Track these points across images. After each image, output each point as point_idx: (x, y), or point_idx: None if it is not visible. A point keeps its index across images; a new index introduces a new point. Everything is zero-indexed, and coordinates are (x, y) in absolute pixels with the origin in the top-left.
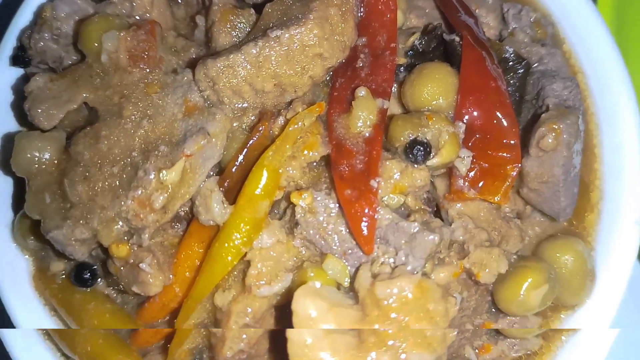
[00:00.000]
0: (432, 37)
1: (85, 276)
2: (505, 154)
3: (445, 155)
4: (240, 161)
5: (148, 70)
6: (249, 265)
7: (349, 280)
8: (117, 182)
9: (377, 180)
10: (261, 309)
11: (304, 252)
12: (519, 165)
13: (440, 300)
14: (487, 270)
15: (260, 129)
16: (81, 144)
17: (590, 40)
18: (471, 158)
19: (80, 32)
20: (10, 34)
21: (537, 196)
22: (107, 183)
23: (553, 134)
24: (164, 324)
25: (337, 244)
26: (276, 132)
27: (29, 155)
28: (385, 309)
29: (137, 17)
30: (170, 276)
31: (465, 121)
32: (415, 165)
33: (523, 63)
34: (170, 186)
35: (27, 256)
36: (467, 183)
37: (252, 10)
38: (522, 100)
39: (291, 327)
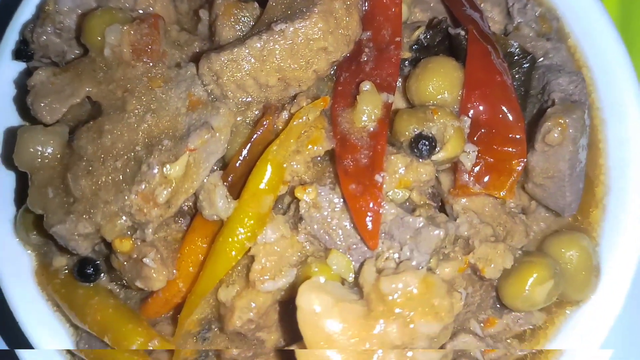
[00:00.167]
0: (437, 31)
1: (88, 271)
2: (510, 149)
3: (451, 149)
4: (244, 156)
5: (151, 64)
6: (253, 260)
7: (354, 276)
8: (121, 176)
9: (381, 174)
10: (265, 304)
11: (308, 247)
12: (525, 160)
13: (445, 296)
14: (492, 265)
15: (265, 123)
16: (84, 139)
17: (596, 35)
18: (476, 153)
19: (83, 25)
20: (12, 28)
21: (542, 191)
22: (110, 177)
23: (559, 129)
24: (167, 319)
25: (342, 239)
26: (280, 127)
27: (31, 150)
28: (390, 304)
29: (140, 11)
30: (174, 271)
31: (470, 115)
32: (420, 160)
33: (528, 57)
34: (174, 181)
35: (29, 251)
36: (472, 178)
37: (256, 4)
38: (527, 94)
39: (295, 322)
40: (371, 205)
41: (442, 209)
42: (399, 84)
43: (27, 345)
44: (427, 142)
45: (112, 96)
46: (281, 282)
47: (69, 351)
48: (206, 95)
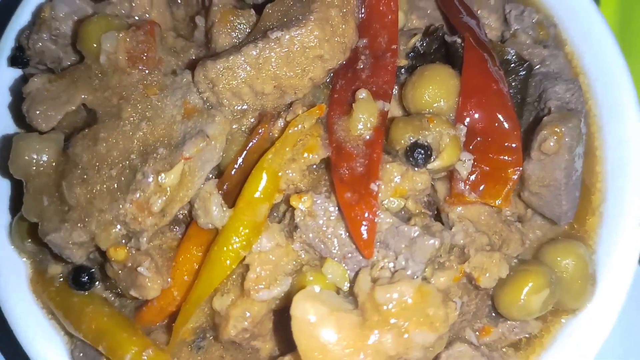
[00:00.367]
0: (433, 39)
1: (83, 279)
2: (506, 157)
3: (446, 158)
4: (240, 164)
5: (147, 71)
6: (248, 269)
7: (349, 285)
8: (116, 184)
9: (377, 183)
10: (260, 313)
11: (303, 255)
12: (521, 168)
13: (440, 305)
14: (487, 274)
15: (260, 131)
16: (79, 146)
17: (593, 42)
18: (472, 161)
19: (79, 32)
20: (8, 34)
21: (538, 200)
22: (105, 186)
23: (555, 137)
24: (162, 328)
25: (337, 247)
26: (276, 135)
27: (26, 158)
28: (385, 313)
29: (137, 18)
30: (169, 280)
31: (466, 124)
32: (416, 169)
33: (525, 65)
34: (168, 189)
35: (24, 259)
36: (468, 186)
37: (252, 11)
38: (523, 102)
39: (290, 331)
40: (366, 214)
41: (437, 217)
42: (395, 91)
43: (22, 353)
44: (422, 151)
45: (107, 103)
46: (276, 291)
47: (67, 332)
48: (202, 103)
